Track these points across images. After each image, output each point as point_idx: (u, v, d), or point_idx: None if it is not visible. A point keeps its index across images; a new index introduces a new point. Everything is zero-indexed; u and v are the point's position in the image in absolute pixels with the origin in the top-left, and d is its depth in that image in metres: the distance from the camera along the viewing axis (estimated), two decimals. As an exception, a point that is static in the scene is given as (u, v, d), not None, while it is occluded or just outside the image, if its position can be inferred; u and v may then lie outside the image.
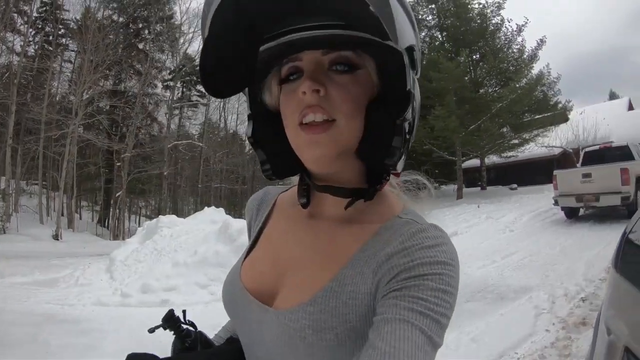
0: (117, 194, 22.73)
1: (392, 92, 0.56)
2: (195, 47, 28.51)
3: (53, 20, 24.35)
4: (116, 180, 24.47)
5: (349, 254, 0.58)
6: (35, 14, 23.35)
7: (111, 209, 25.17)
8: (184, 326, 0.69)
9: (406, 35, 0.52)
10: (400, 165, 0.60)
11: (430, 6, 21.08)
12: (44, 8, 24.33)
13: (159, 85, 28.41)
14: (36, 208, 20.67)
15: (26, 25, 22.36)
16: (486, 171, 21.21)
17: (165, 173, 24.17)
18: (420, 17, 21.26)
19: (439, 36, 21.52)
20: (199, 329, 0.73)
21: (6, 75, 20.18)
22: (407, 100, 0.55)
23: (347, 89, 0.56)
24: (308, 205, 0.65)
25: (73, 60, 26.20)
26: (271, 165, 0.64)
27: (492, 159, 22.01)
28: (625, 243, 1.30)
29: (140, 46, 27.25)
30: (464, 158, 19.98)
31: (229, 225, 6.87)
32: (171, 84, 28.99)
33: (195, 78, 30.67)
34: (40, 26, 24.34)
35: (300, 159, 0.59)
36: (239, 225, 6.83)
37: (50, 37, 24.62)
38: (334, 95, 0.55)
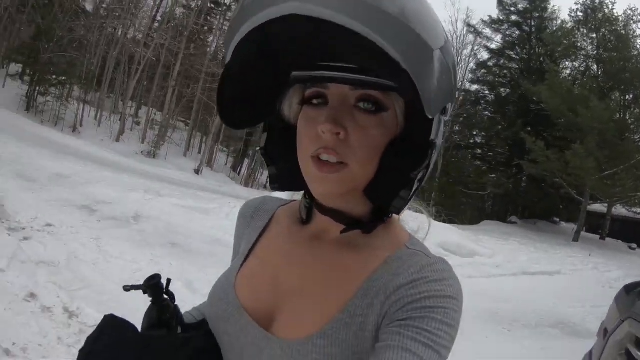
0: (257, 148, 25.22)
1: (414, 137, 0.55)
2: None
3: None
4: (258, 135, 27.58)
5: (357, 283, 0.56)
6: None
7: (246, 159, 28.31)
8: (165, 297, 0.64)
9: (439, 87, 0.48)
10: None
11: (591, 35, 19.87)
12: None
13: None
14: (180, 142, 24.14)
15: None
16: (610, 221, 19.86)
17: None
18: (578, 44, 20.18)
19: (595, 68, 20.36)
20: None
21: (174, 25, 23.34)
22: (428, 151, 0.54)
23: (368, 133, 0.53)
24: (308, 223, 0.64)
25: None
26: (279, 179, 0.63)
27: (620, 210, 20.48)
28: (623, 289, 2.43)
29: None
30: (591, 202, 18.95)
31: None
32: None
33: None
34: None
35: (308, 186, 0.57)
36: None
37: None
38: (353, 140, 0.53)
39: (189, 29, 22.77)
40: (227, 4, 29.30)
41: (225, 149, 30.78)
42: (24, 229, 4.36)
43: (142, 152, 19.25)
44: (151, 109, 22.47)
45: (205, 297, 0.68)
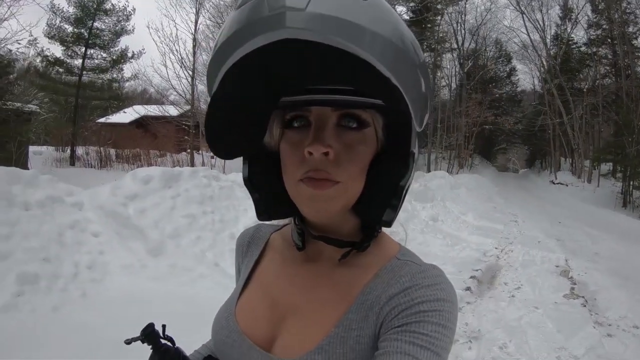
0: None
1: (394, 150, 0.56)
2: None
3: None
4: None
5: (350, 298, 0.58)
6: None
7: None
8: (163, 341, 0.65)
9: (420, 100, 0.52)
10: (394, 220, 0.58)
11: None
12: None
13: None
14: None
15: None
16: None
17: None
18: None
19: None
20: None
21: None
22: (408, 161, 0.55)
23: (354, 149, 0.54)
24: (303, 249, 0.64)
25: None
26: (266, 208, 0.61)
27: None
28: None
29: None
30: None
31: None
32: None
33: None
34: None
35: (299, 208, 0.57)
36: None
37: None
38: (341, 157, 0.53)
39: None
40: None
41: None
42: (610, 325, 4.44)
43: None
44: None
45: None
